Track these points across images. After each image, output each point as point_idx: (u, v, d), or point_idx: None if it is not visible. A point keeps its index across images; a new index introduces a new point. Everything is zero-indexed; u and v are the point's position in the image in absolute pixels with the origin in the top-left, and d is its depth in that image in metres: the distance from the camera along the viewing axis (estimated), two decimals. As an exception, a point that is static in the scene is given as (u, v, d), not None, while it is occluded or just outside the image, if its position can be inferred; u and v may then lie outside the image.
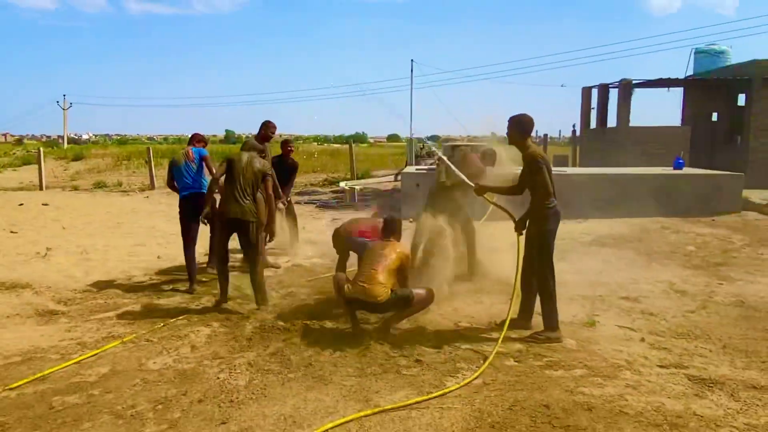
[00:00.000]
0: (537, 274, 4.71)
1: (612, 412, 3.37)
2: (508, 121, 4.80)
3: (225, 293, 5.56)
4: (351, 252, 5.79)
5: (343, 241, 5.74)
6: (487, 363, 4.07)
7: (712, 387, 3.72)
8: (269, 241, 5.88)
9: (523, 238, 4.81)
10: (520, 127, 4.74)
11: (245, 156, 5.56)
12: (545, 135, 26.42)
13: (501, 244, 8.62)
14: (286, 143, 8.39)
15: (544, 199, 4.60)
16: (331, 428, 3.20)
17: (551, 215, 4.64)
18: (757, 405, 3.47)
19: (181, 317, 5.19)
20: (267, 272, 6.87)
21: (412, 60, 25.35)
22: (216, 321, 5.10)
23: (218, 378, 3.91)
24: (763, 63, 16.65)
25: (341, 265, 5.82)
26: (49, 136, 76.14)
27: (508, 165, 6.63)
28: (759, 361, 4.17)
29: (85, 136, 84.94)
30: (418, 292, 4.77)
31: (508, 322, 4.67)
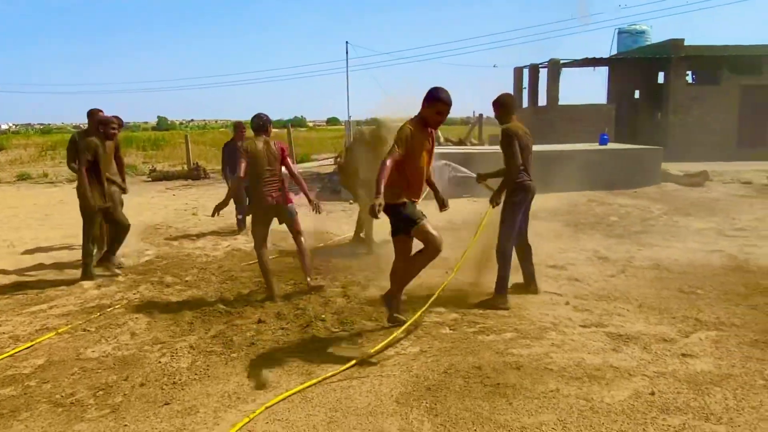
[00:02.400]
0: (498, 242, 4.96)
1: (538, 369, 3.63)
2: (493, 104, 5.06)
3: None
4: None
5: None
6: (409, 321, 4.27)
7: (627, 342, 4.06)
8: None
9: (492, 211, 5.03)
10: (505, 108, 5.00)
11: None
12: (480, 115, 26.96)
13: (439, 222, 8.94)
14: (239, 126, 8.55)
15: (512, 171, 4.81)
16: (276, 402, 3.30)
17: (518, 188, 4.89)
18: (666, 355, 3.82)
19: (118, 305, 5.13)
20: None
21: (347, 42, 25.26)
22: (155, 308, 5.06)
23: (160, 362, 3.92)
24: (680, 42, 17.64)
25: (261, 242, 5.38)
26: (-37, 128, 71.18)
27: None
28: (670, 317, 4.56)
29: (4, 126, 79.92)
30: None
31: (440, 290, 4.89)
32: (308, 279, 5.41)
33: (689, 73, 18.64)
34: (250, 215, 5.74)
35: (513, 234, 4.95)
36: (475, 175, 5.59)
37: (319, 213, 5.48)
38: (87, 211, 5.88)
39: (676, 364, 3.69)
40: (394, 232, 4.30)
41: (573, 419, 3.01)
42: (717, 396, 3.24)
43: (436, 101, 4.14)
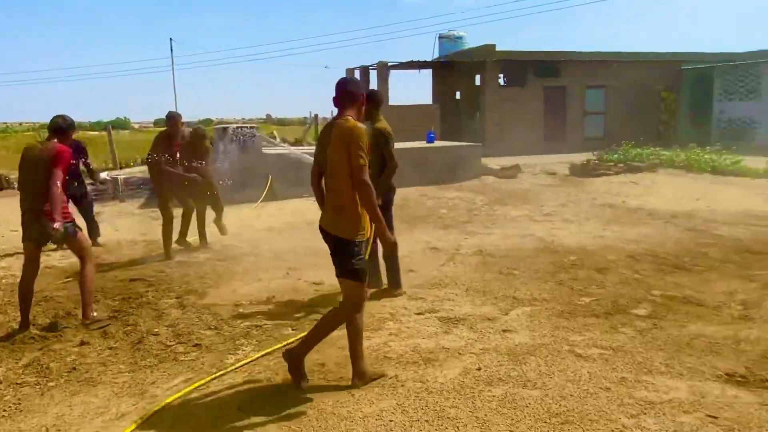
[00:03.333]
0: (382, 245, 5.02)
1: (378, 358, 3.79)
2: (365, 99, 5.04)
3: None
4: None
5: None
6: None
7: (457, 324, 4.39)
8: None
9: None
10: (377, 105, 5.01)
11: None
12: (316, 115, 27.22)
13: (275, 223, 8.89)
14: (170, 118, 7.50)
15: (393, 172, 4.93)
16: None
17: (390, 188, 5.07)
18: (490, 333, 4.20)
19: None
20: None
21: (171, 39, 23.96)
22: (-51, 341, 4.37)
23: (-43, 402, 3.40)
24: (491, 48, 19.37)
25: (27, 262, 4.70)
26: None
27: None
28: (492, 298, 5.01)
29: None
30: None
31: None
32: (84, 314, 4.61)
33: (501, 75, 20.56)
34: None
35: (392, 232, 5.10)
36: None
37: (53, 234, 4.38)
38: None
39: (499, 339, 4.07)
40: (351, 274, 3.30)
41: (410, 402, 3.19)
42: (532, 364, 3.64)
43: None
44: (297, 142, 18.30)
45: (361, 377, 3.38)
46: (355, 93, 3.33)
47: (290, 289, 5.44)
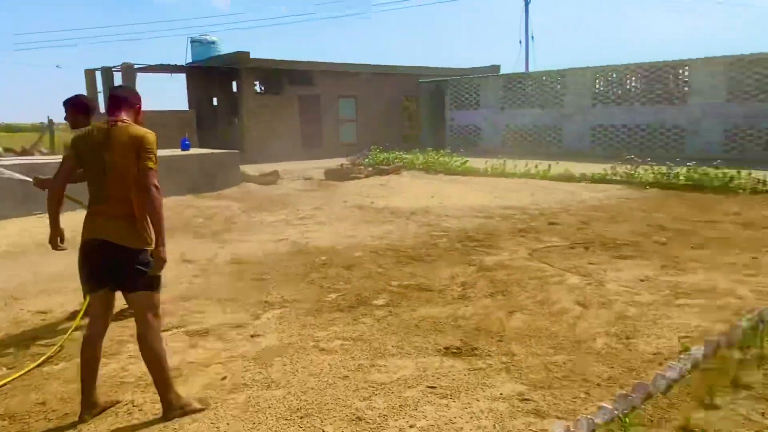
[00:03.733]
0: None
1: (114, 385, 3.51)
2: (76, 106, 4.46)
3: None
4: None
5: None
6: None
7: (205, 336, 4.28)
8: None
9: None
10: (91, 111, 4.50)
11: None
12: (51, 120, 24.02)
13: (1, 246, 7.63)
14: None
15: None
16: None
17: None
18: (239, 340, 4.19)
19: None
20: None
21: None
22: None
23: None
24: (245, 55, 19.31)
25: None
26: None
27: None
28: (245, 304, 5.00)
29: None
30: None
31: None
32: None
33: (257, 83, 20.63)
34: None
35: None
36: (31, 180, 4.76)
37: None
38: None
39: (247, 345, 4.09)
40: (147, 286, 3.07)
41: (147, 425, 3.02)
42: (278, 365, 3.73)
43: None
44: (24, 152, 15.93)
45: (176, 404, 3.09)
46: (131, 99, 3.29)
47: (9, 322, 4.72)
